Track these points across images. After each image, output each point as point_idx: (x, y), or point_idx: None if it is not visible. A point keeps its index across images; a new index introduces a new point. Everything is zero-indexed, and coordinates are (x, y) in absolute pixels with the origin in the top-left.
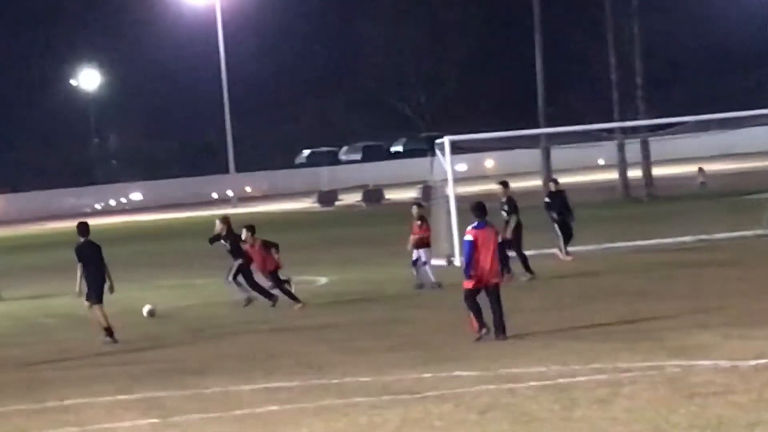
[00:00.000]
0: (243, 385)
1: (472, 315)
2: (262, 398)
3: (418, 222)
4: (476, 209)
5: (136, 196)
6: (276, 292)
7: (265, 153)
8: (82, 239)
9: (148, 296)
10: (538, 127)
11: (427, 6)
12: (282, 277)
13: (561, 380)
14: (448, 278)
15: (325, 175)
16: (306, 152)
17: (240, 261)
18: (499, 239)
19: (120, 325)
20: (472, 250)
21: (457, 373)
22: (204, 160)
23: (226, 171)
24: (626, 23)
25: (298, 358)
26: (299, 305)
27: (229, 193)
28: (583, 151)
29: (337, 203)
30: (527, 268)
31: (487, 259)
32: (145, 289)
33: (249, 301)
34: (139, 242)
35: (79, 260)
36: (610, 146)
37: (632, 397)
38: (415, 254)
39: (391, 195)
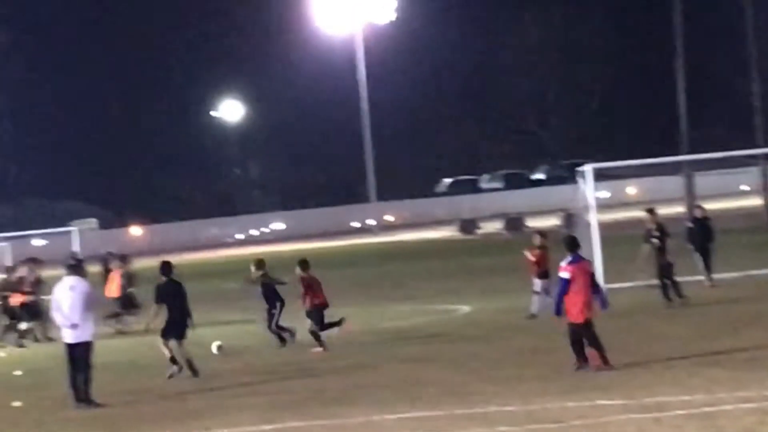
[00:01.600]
0: (386, 415)
1: (592, 351)
2: (407, 428)
3: (537, 250)
4: (569, 243)
5: (278, 225)
6: (314, 328)
7: (406, 181)
8: (164, 278)
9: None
10: (679, 153)
11: (568, 33)
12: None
13: (707, 409)
14: None
15: (467, 204)
16: (447, 180)
17: (280, 305)
18: (592, 270)
19: (260, 353)
20: (567, 286)
21: (601, 402)
22: (345, 189)
23: (368, 200)
24: None
25: (442, 387)
26: (320, 349)
27: (370, 222)
28: (726, 178)
29: (478, 231)
30: (667, 295)
31: (584, 293)
32: (285, 318)
33: (283, 341)
34: (280, 272)
35: (157, 299)
36: (754, 172)
37: None
38: (535, 284)
39: (532, 223)
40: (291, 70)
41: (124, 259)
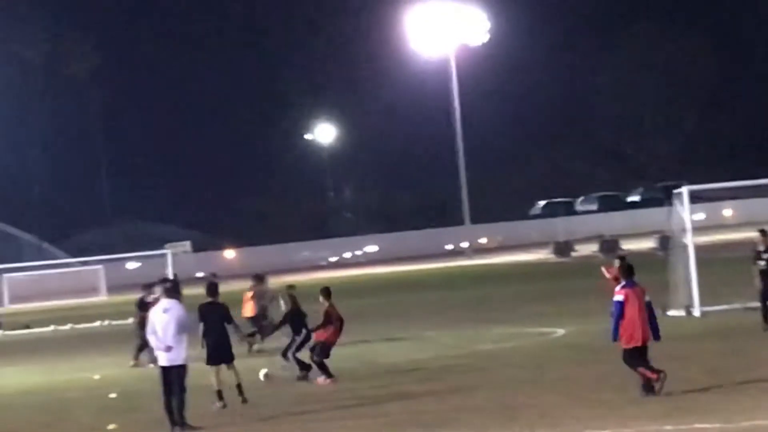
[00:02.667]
0: None
1: (643, 369)
2: None
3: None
4: (627, 269)
5: (372, 248)
6: (316, 359)
7: (500, 204)
8: (209, 299)
9: (382, 349)
10: None
11: (663, 53)
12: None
13: None
14: (686, 328)
15: (561, 226)
16: (541, 203)
17: (305, 334)
18: (647, 298)
19: (356, 376)
20: (622, 311)
21: (699, 425)
22: (438, 212)
23: (461, 222)
24: None
25: (537, 410)
26: (330, 380)
27: (464, 244)
28: None
29: (573, 254)
30: (766, 318)
31: (640, 317)
32: (379, 342)
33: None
34: (374, 295)
35: (200, 320)
36: None
37: None
38: None
39: (627, 245)
40: (385, 93)
41: (259, 278)
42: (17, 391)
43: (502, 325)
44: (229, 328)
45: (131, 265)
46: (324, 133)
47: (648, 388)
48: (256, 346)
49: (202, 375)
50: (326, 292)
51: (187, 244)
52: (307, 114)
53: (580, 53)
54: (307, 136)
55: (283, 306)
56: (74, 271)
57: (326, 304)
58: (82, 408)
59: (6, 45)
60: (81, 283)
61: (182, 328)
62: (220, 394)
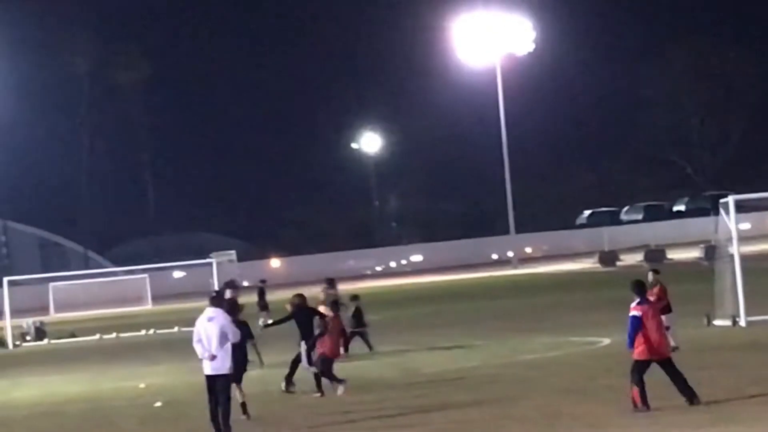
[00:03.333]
0: None
1: (636, 388)
2: None
3: (655, 288)
4: (637, 287)
5: (417, 257)
6: (312, 370)
7: (545, 213)
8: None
9: (426, 358)
10: None
11: (710, 62)
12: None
13: None
14: (732, 338)
15: (606, 235)
16: (587, 212)
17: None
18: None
19: (400, 385)
20: (638, 325)
21: None
22: (484, 221)
23: (507, 232)
24: None
25: (582, 419)
26: (318, 394)
27: (510, 254)
28: None
29: (618, 263)
30: None
31: (656, 333)
32: (423, 351)
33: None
34: (419, 304)
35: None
36: None
37: None
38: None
39: (673, 255)
40: (430, 102)
41: (330, 282)
42: (63, 399)
43: (547, 335)
44: (250, 345)
45: (176, 275)
46: (370, 142)
47: (638, 405)
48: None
49: (246, 384)
50: (335, 305)
51: (232, 254)
52: (353, 124)
53: (627, 63)
54: (353, 146)
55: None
56: (120, 280)
57: (331, 314)
58: (127, 417)
59: (54, 55)
60: (126, 292)
61: (227, 338)
62: (245, 407)
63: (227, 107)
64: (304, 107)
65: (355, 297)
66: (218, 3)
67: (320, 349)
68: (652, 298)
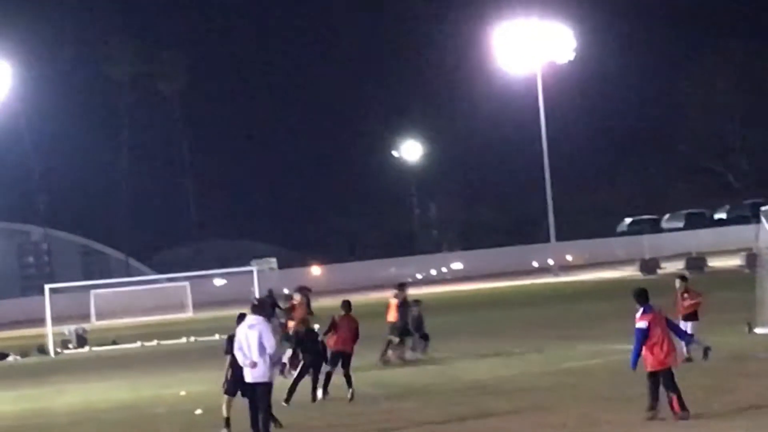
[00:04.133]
0: None
1: (673, 395)
2: None
3: (684, 294)
4: (640, 295)
5: (457, 265)
6: (327, 369)
7: (585, 221)
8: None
9: (466, 366)
10: None
11: (751, 69)
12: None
13: None
14: None
15: (647, 243)
16: (627, 220)
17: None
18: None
19: (441, 393)
20: (645, 337)
21: None
22: (525, 229)
23: (547, 240)
24: None
25: (622, 427)
26: (321, 397)
27: (550, 261)
28: None
29: (659, 271)
30: None
31: (667, 342)
32: (463, 358)
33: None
34: (459, 312)
35: (227, 351)
36: None
37: None
38: (682, 326)
39: (714, 263)
40: (471, 110)
41: (402, 286)
42: (104, 406)
43: (588, 342)
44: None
45: (217, 282)
46: (410, 150)
47: (681, 409)
48: (408, 355)
49: (280, 391)
50: (345, 305)
51: (273, 261)
52: (393, 131)
53: (666, 70)
54: (394, 154)
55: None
56: (161, 287)
57: (341, 313)
58: (168, 424)
59: (93, 64)
60: (167, 299)
61: (267, 345)
62: (227, 422)
63: (268, 115)
64: (344, 115)
65: (416, 302)
66: (259, 11)
67: (329, 342)
68: (688, 303)
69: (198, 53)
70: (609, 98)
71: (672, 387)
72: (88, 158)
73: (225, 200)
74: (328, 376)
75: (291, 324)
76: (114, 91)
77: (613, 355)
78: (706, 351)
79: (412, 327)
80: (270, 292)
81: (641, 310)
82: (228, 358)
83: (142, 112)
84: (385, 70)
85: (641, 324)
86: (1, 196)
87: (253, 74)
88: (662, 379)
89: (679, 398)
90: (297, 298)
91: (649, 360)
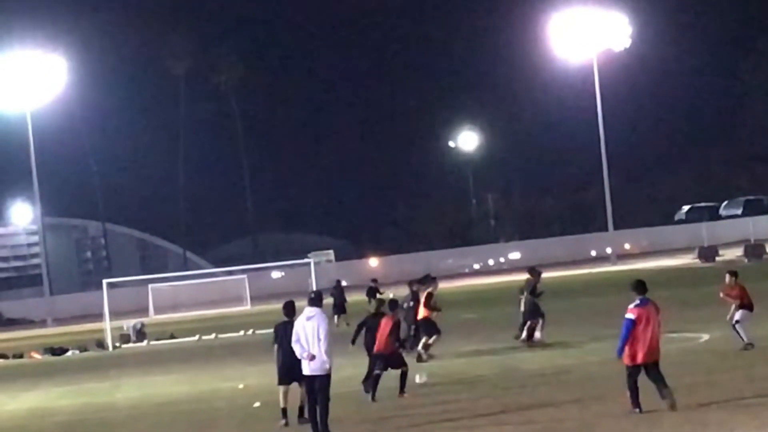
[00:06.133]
0: None
1: (628, 393)
2: None
3: (734, 290)
4: (637, 286)
5: (515, 255)
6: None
7: (644, 209)
8: (285, 319)
9: (526, 356)
10: None
11: None
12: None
13: None
14: None
15: (706, 231)
16: (686, 208)
17: None
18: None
19: (499, 383)
20: (631, 329)
21: None
22: (583, 218)
23: (605, 228)
24: None
25: (681, 416)
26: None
27: (608, 250)
28: None
29: (718, 259)
30: None
31: (649, 337)
32: (523, 349)
33: None
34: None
35: (275, 341)
36: None
37: None
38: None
39: None
40: (527, 99)
41: (424, 281)
42: (163, 400)
43: None
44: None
45: (275, 275)
46: (467, 140)
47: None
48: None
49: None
50: (391, 304)
51: (330, 253)
52: (450, 122)
53: (725, 57)
54: (451, 144)
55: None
56: (218, 281)
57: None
58: (227, 418)
59: (151, 58)
60: (225, 292)
61: (326, 337)
62: (284, 412)
63: (324, 108)
64: (402, 106)
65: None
66: (313, 3)
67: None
68: (731, 297)
69: (254, 47)
70: (666, 85)
71: (628, 383)
72: (146, 153)
73: (282, 194)
74: (377, 378)
75: (421, 313)
76: (171, 85)
77: (672, 344)
78: (747, 346)
79: (528, 312)
80: (375, 281)
81: (636, 301)
82: (275, 348)
83: (200, 107)
84: (442, 60)
85: (630, 315)
86: (59, 191)
87: (309, 67)
88: (646, 372)
89: (633, 395)
90: (432, 286)
91: (627, 353)
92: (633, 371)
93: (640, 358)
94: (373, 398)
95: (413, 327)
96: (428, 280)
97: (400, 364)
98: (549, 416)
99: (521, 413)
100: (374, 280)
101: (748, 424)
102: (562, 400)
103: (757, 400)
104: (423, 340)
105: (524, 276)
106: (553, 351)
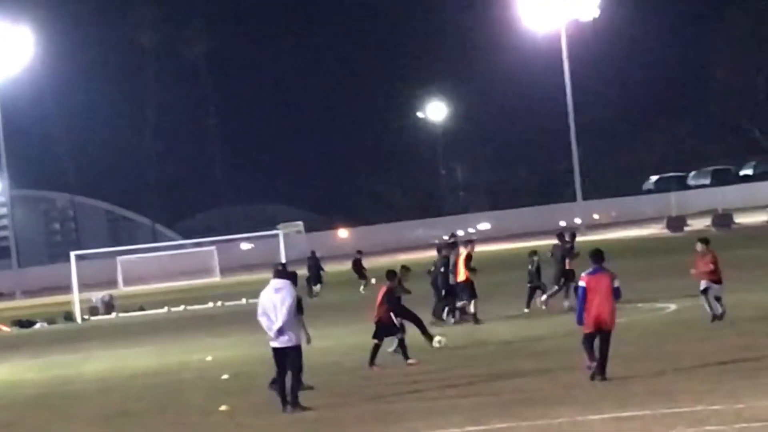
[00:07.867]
0: (592, 415)
1: (585, 354)
2: (612, 428)
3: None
4: (593, 255)
5: (484, 226)
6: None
7: (612, 180)
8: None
9: (494, 327)
10: None
11: None
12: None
13: None
14: None
15: (674, 201)
16: (654, 178)
17: None
18: (616, 284)
19: (467, 355)
20: (584, 296)
21: None
22: (550, 188)
23: (574, 199)
24: None
25: (649, 386)
26: (375, 367)
27: (577, 220)
28: None
29: (686, 228)
30: None
31: (601, 305)
32: (491, 320)
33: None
34: (486, 273)
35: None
36: None
37: None
38: (703, 285)
39: (741, 219)
40: (495, 70)
41: (467, 243)
42: (132, 373)
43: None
44: (299, 318)
45: (244, 246)
46: (436, 111)
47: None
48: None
49: (314, 354)
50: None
51: (300, 225)
52: (418, 92)
53: (693, 27)
54: (419, 115)
55: None
56: (187, 252)
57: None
58: (194, 390)
59: (119, 30)
60: (194, 264)
61: (294, 310)
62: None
63: (293, 78)
64: (369, 76)
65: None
66: None
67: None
68: (705, 268)
69: (224, 18)
70: (635, 56)
71: (602, 350)
72: (114, 125)
73: (251, 165)
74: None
75: (459, 275)
76: (140, 56)
77: (639, 314)
78: (719, 317)
79: (534, 278)
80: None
81: (589, 270)
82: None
83: (168, 78)
84: (409, 30)
85: (581, 283)
86: (27, 163)
87: (278, 38)
88: (599, 339)
89: (601, 365)
90: (470, 248)
91: (584, 320)
92: (589, 337)
93: (596, 325)
94: (371, 364)
95: (444, 291)
96: (457, 244)
97: (393, 331)
98: (517, 387)
99: (489, 384)
100: (359, 252)
101: (714, 392)
102: (531, 371)
103: (723, 368)
104: (473, 303)
105: (495, 246)
106: (521, 323)
